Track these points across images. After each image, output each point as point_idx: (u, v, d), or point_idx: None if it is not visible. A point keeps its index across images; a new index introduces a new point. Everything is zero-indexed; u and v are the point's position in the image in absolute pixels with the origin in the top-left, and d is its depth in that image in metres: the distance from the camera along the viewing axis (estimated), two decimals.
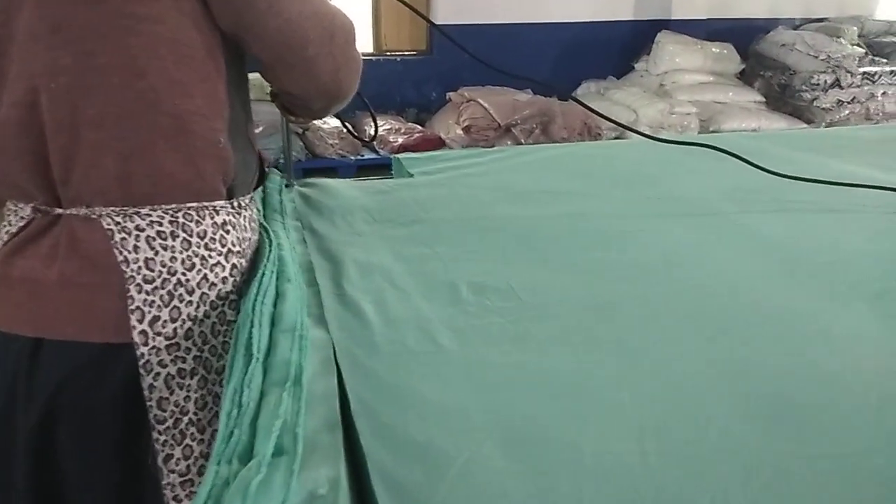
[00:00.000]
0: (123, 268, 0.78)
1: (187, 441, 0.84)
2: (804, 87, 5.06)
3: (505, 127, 4.29)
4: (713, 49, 5.21)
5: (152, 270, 0.80)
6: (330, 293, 1.09)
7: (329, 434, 0.70)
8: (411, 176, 1.78)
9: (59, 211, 0.80)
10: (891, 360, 0.95)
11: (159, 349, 0.80)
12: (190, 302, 0.83)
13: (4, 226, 0.85)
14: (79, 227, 0.80)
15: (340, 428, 0.72)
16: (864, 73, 5.09)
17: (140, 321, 0.79)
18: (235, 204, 0.90)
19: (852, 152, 2.00)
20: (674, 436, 0.77)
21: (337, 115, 1.63)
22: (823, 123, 4.96)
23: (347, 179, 1.77)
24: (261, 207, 1.19)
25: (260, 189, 1.08)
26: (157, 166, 0.80)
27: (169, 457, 0.83)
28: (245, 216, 0.93)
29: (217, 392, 0.85)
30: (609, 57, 5.43)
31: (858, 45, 5.31)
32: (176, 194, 0.82)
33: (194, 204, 0.84)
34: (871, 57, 5.28)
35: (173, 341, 0.81)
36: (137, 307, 0.79)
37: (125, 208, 0.79)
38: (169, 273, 0.81)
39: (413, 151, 3.43)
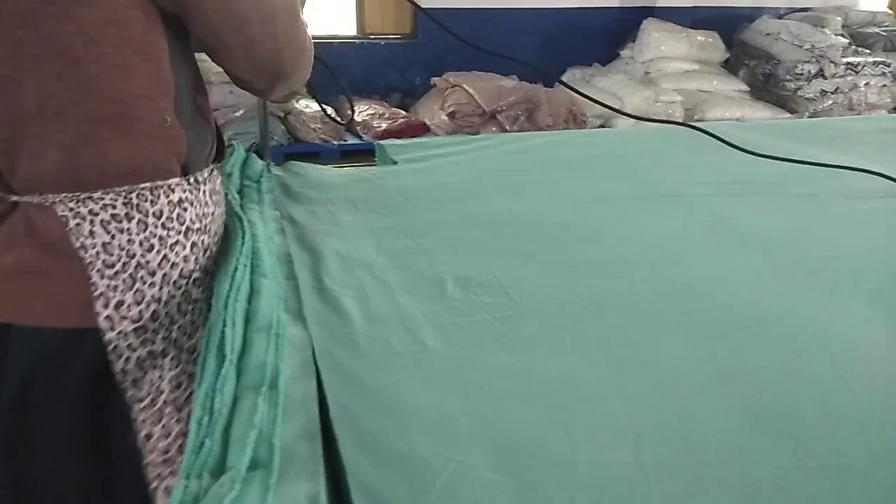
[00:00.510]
0: (82, 254, 0.77)
1: (164, 420, 0.84)
2: (788, 77, 5.05)
3: (490, 113, 4.24)
4: (698, 37, 5.18)
5: (111, 255, 0.78)
6: (309, 287, 1.05)
7: (307, 443, 0.66)
8: (395, 163, 1.73)
9: (15, 198, 0.77)
10: (892, 365, 0.91)
11: (126, 333, 0.80)
12: (153, 284, 0.82)
13: None
14: (35, 214, 0.77)
15: (320, 437, 0.67)
16: (848, 63, 5.09)
17: (105, 307, 0.78)
18: (192, 180, 0.87)
19: (845, 143, 1.98)
20: (671, 445, 0.73)
21: (316, 98, 1.58)
22: (807, 113, 4.96)
23: (329, 165, 1.72)
24: (225, 181, 1.14)
25: (225, 162, 1.03)
26: (103, 155, 0.77)
27: (149, 436, 0.83)
28: (204, 191, 0.90)
29: (191, 372, 0.85)
30: (594, 44, 5.38)
31: (842, 35, 5.31)
32: (127, 179, 0.79)
33: (147, 184, 0.80)
34: (854, 47, 5.28)
35: (140, 324, 0.81)
36: (101, 293, 0.78)
37: (77, 194, 0.76)
38: (128, 256, 0.79)
39: (397, 137, 3.37)
